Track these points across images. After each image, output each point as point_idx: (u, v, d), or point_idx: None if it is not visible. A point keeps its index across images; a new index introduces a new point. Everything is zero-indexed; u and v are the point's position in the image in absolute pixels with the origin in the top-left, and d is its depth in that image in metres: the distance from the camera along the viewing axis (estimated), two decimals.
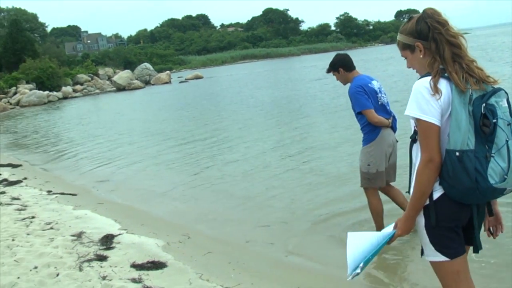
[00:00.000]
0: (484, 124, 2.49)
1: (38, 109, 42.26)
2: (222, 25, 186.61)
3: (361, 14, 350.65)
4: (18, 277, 4.96)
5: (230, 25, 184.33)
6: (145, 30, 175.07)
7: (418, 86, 2.64)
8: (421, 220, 2.74)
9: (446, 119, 2.59)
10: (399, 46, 3.03)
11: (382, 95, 5.53)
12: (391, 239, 2.85)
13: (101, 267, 5.22)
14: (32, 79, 56.51)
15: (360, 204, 6.64)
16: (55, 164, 14.10)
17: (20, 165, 13.63)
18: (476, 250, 2.80)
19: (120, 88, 57.88)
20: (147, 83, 62.63)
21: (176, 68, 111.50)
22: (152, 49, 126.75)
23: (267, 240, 6.28)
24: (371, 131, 5.44)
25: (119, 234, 6.45)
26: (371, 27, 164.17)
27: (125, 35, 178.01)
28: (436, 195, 2.67)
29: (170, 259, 5.50)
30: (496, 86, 2.65)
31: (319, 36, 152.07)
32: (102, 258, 5.47)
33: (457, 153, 2.50)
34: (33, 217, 7.55)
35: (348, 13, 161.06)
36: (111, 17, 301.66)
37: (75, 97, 55.50)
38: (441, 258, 2.71)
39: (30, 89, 53.14)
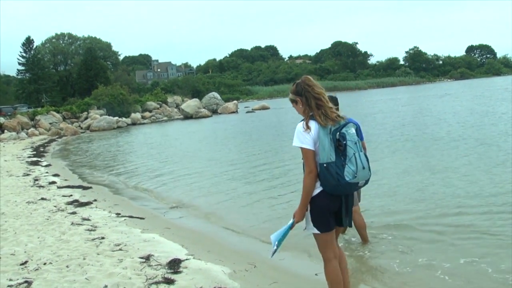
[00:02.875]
0: (340, 145, 4.17)
1: (107, 134, 43.64)
2: (290, 57, 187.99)
3: (431, 48, 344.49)
4: None
5: (299, 57, 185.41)
6: (214, 59, 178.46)
7: (298, 127, 4.29)
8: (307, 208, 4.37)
9: (317, 145, 4.20)
10: (290, 100, 4.53)
11: None
12: (292, 225, 4.46)
13: None
14: (103, 105, 58.47)
15: None
16: (123, 188, 14.45)
17: (90, 187, 14.05)
18: (349, 225, 4.54)
19: (188, 116, 59.00)
20: (214, 112, 63.59)
21: (243, 98, 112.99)
22: (220, 79, 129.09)
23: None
24: None
25: (186, 259, 6.49)
26: (440, 62, 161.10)
27: (194, 64, 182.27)
28: (316, 192, 4.31)
29: (237, 287, 5.48)
30: (345, 121, 4.32)
31: (387, 70, 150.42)
32: (169, 282, 5.52)
33: (325, 165, 4.16)
34: (102, 238, 7.73)
35: (417, 47, 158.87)
36: (181, 47, 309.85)
37: (143, 123, 57.00)
38: (316, 231, 4.40)
39: (101, 115, 54.99)
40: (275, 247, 4.46)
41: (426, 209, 8.95)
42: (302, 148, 4.22)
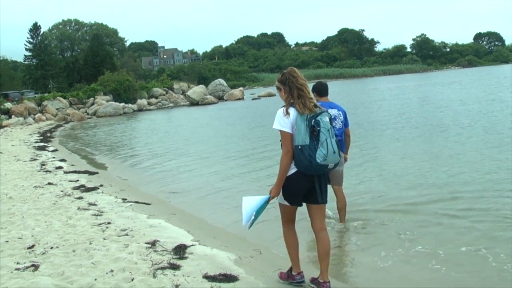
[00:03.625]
0: (314, 130, 4.68)
1: (114, 120, 43.69)
2: (297, 44, 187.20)
3: (438, 35, 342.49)
4: (95, 279, 5.11)
5: (305, 44, 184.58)
6: (220, 46, 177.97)
7: (278, 112, 4.86)
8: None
9: (294, 129, 4.75)
10: (276, 87, 5.10)
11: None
12: (269, 199, 4.94)
13: (174, 275, 5.29)
14: (110, 91, 58.49)
15: None
16: (130, 173, 14.51)
17: (97, 173, 14.11)
18: (324, 202, 5.00)
19: (194, 103, 58.94)
20: (220, 98, 63.54)
21: (249, 85, 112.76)
22: (226, 66, 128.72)
23: (336, 261, 6.21)
24: None
25: (192, 245, 6.52)
26: (448, 49, 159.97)
27: (200, 51, 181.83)
28: (291, 172, 4.85)
29: (242, 273, 5.50)
30: (321, 110, 4.80)
31: (394, 58, 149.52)
32: (175, 267, 5.55)
33: (299, 147, 4.70)
34: (109, 223, 7.78)
35: (425, 35, 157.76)
36: (187, 33, 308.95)
37: (150, 109, 56.99)
38: (285, 202, 4.99)
39: (107, 101, 55.00)
40: (253, 217, 4.87)
41: (425, 194, 9.10)
42: (281, 131, 4.80)
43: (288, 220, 5.14)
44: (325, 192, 4.99)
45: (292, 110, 4.79)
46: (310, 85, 5.13)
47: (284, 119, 4.78)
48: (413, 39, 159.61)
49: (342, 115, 7.26)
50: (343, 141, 7.27)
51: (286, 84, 4.91)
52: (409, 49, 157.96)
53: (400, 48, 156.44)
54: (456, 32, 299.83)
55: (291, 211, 5.07)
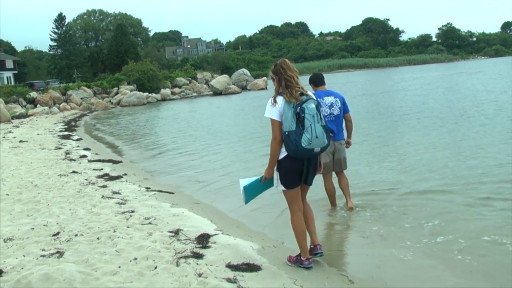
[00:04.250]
0: (299, 117, 5.03)
1: (137, 109, 43.99)
2: (321, 34, 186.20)
3: (464, 24, 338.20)
4: (119, 266, 5.14)
5: (329, 34, 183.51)
6: (244, 36, 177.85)
7: (268, 101, 5.28)
8: (276, 169, 5.36)
9: (283, 117, 5.12)
10: (271, 77, 5.50)
11: (326, 109, 7.40)
12: (261, 179, 5.46)
13: (197, 264, 5.30)
14: (133, 81, 58.89)
15: None
16: (154, 162, 14.58)
17: (121, 162, 14.20)
18: (308, 184, 5.47)
19: (217, 92, 59.09)
20: (243, 88, 63.57)
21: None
22: (250, 55, 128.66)
23: (362, 250, 6.16)
24: None
25: (215, 234, 6.53)
26: (474, 39, 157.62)
27: (224, 40, 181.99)
28: (281, 156, 5.24)
29: (265, 263, 5.49)
30: (307, 98, 5.14)
31: (419, 47, 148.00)
32: (198, 256, 5.55)
33: (286, 132, 5.07)
34: (132, 211, 7.81)
35: (451, 24, 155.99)
36: (211, 23, 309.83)
37: (173, 99, 57.28)
38: (283, 188, 5.35)
39: (131, 90, 55.40)
40: (241, 191, 5.54)
41: (445, 183, 9.06)
42: (270, 119, 5.21)
43: (294, 207, 5.44)
44: (313, 175, 5.43)
45: (280, 99, 5.20)
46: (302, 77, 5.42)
47: (273, 108, 5.20)
48: (439, 28, 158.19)
49: (340, 101, 7.58)
50: (341, 126, 7.70)
51: (277, 74, 5.31)
52: (434, 39, 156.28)
53: (426, 38, 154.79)
54: (483, 21, 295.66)
55: (293, 196, 5.39)
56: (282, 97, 5.18)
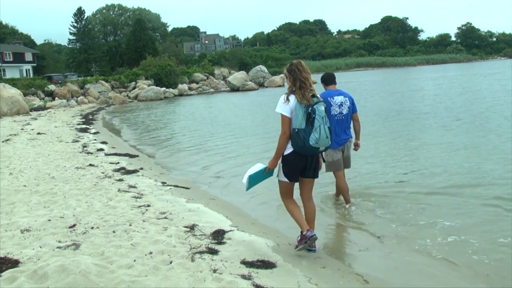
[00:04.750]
0: (310, 117, 5.38)
1: (154, 104, 44.15)
2: (339, 32, 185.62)
3: (484, 24, 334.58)
4: (135, 260, 5.15)
5: (347, 32, 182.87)
6: (262, 33, 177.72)
7: (281, 98, 5.60)
8: (280, 162, 5.72)
9: (293, 114, 5.45)
10: (284, 75, 5.89)
11: (336, 108, 7.62)
12: (265, 169, 5.83)
13: (212, 260, 5.29)
14: (151, 76, 59.13)
15: None
16: (170, 157, 14.62)
17: (137, 156, 14.26)
18: (314, 177, 5.87)
19: (234, 89, 59.12)
20: (260, 85, 63.56)
21: None
22: (267, 52, 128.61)
23: (378, 250, 6.11)
24: None
25: (230, 231, 6.52)
26: (494, 39, 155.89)
27: (242, 37, 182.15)
28: (287, 151, 5.60)
29: (280, 260, 5.48)
30: (318, 100, 5.53)
31: (438, 47, 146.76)
32: (213, 252, 5.55)
33: (296, 129, 5.42)
34: (148, 206, 7.83)
35: (470, 23, 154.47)
36: (229, 19, 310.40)
37: (190, 95, 57.42)
38: (284, 179, 5.75)
39: (148, 85, 55.61)
40: (245, 181, 5.85)
41: (457, 183, 9.06)
42: (281, 114, 5.52)
43: (287, 195, 5.90)
44: (316, 169, 5.80)
45: (292, 98, 5.52)
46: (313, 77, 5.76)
47: (285, 105, 5.52)
48: (458, 28, 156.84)
49: (348, 101, 7.77)
50: (350, 125, 7.91)
51: (291, 74, 5.61)
52: (453, 38, 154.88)
53: (444, 37, 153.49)
54: (503, 21, 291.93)
55: (289, 187, 5.86)
56: (294, 96, 5.50)
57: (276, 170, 5.85)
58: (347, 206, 7.90)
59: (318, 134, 5.38)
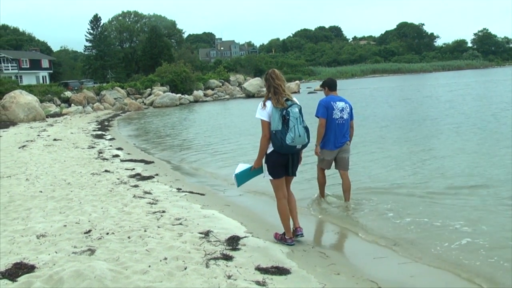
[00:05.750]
0: (285, 119, 5.92)
1: (170, 110, 44.31)
2: (355, 38, 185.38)
3: (501, 30, 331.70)
4: (149, 266, 5.15)
5: (363, 38, 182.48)
6: (277, 39, 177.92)
7: (259, 105, 6.10)
8: (264, 162, 6.27)
9: (271, 118, 6.01)
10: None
11: (338, 112, 8.10)
12: (251, 168, 6.44)
13: (227, 266, 5.28)
14: (167, 82, 59.37)
15: None
16: (186, 163, 14.65)
17: (152, 162, 14.31)
18: (291, 175, 6.38)
19: (250, 95, 59.16)
20: None
21: (305, 78, 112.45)
22: (283, 59, 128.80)
23: (392, 257, 6.06)
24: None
25: (245, 237, 6.52)
26: (511, 45, 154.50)
27: (257, 43, 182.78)
28: (269, 151, 6.16)
29: (294, 266, 5.45)
30: (292, 103, 6.05)
31: (454, 53, 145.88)
32: (228, 258, 5.54)
33: (274, 131, 5.98)
34: (163, 212, 7.85)
35: (487, 29, 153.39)
36: (244, 26, 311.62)
37: (206, 101, 57.54)
38: (271, 177, 6.27)
39: (164, 91, 55.80)
40: (233, 177, 6.60)
41: (468, 189, 9.05)
42: (261, 120, 6.10)
43: (280, 194, 6.39)
44: (296, 167, 6.37)
45: (268, 103, 6.09)
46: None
47: (262, 111, 6.09)
48: (475, 34, 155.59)
49: (348, 107, 8.29)
50: (348, 130, 8.36)
51: (267, 81, 6.23)
52: (470, 44, 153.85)
53: (461, 43, 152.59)
54: None
55: (278, 184, 6.34)
56: (271, 102, 6.08)
57: (264, 171, 6.36)
58: (322, 199, 8.69)
59: (293, 133, 5.92)
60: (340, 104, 8.15)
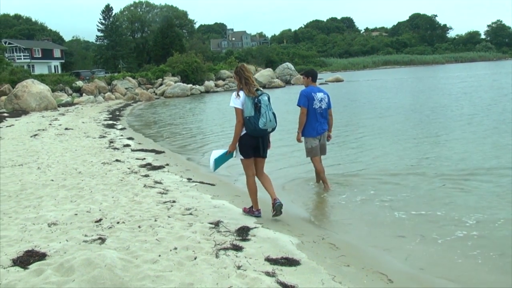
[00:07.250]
0: (257, 106, 6.77)
1: (181, 100, 44.32)
2: (367, 29, 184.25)
3: None
4: (159, 255, 5.17)
5: (375, 30, 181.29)
6: (289, 30, 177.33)
7: (233, 94, 6.99)
8: (237, 145, 7.08)
9: (244, 106, 6.82)
10: (233, 76, 7.27)
11: (317, 102, 8.92)
12: (226, 152, 7.19)
13: (237, 256, 5.29)
14: (178, 72, 59.32)
15: None
16: (196, 153, 14.68)
17: (163, 152, 14.33)
18: (262, 156, 7.18)
19: (261, 86, 58.89)
20: (287, 82, 63.47)
21: (317, 69, 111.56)
22: (294, 50, 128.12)
23: (406, 249, 6.04)
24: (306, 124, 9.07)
25: (255, 228, 6.52)
26: None
27: (269, 34, 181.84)
28: (242, 133, 6.94)
29: (304, 258, 5.44)
30: (261, 92, 6.93)
31: (467, 45, 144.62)
32: (238, 248, 5.54)
33: (248, 117, 6.81)
34: (173, 202, 7.87)
35: (501, 21, 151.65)
36: (256, 16, 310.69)
37: (216, 91, 57.50)
38: (242, 157, 7.10)
39: (175, 82, 55.77)
40: (212, 163, 7.35)
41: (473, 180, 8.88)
42: (235, 108, 6.89)
43: (249, 172, 7.21)
44: (266, 149, 7.17)
45: (241, 93, 6.90)
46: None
47: (237, 100, 6.89)
48: (488, 26, 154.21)
49: (326, 97, 9.11)
50: (326, 118, 9.22)
51: (237, 74, 7.01)
52: (483, 36, 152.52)
53: (474, 35, 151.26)
54: None
55: (248, 164, 7.17)
56: (243, 92, 6.89)
57: (235, 153, 7.15)
58: (327, 188, 9.02)
59: (265, 118, 6.78)
60: (320, 95, 8.98)
